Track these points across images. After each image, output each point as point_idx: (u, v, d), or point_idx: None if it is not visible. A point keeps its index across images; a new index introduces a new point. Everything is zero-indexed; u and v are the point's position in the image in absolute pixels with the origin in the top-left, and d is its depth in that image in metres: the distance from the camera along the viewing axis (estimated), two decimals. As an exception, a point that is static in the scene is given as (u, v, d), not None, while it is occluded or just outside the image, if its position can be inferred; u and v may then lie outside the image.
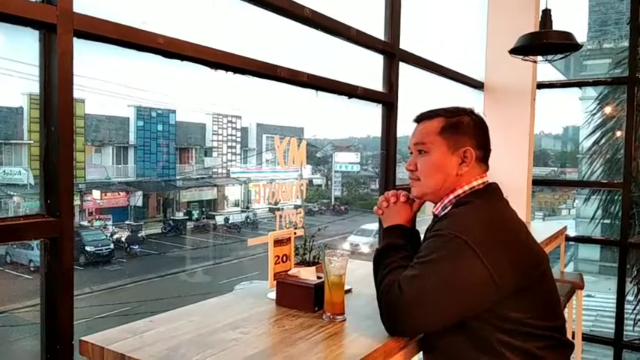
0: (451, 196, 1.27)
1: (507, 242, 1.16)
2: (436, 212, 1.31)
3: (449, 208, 1.27)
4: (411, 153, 1.34)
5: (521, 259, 1.15)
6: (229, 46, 1.68)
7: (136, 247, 17.69)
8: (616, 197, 6.50)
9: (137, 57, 1.44)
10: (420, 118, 1.33)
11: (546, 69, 3.50)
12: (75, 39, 1.21)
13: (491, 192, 1.28)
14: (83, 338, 1.11)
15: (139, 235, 18.81)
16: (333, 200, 27.61)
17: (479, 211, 1.20)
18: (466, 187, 1.26)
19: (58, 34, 1.17)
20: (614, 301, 3.72)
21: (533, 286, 1.15)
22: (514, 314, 1.12)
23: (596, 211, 7.13)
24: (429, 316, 1.11)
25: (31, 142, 17.08)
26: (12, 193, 16.55)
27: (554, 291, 1.23)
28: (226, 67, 1.70)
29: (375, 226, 14.95)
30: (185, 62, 1.58)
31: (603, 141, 7.55)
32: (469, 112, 1.31)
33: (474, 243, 1.10)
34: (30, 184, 16.52)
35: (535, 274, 1.18)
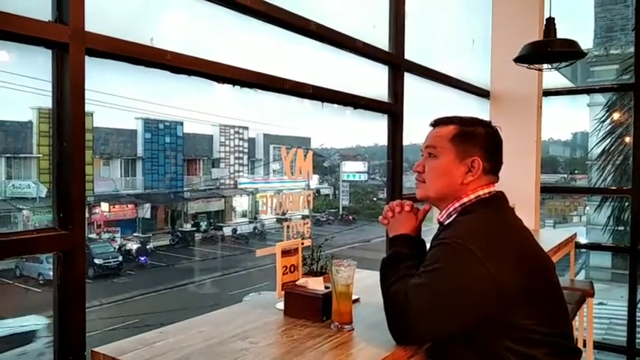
0: (457, 204, 1.28)
1: (512, 250, 1.17)
2: (441, 219, 1.32)
3: (454, 216, 1.28)
4: (422, 155, 1.35)
5: (526, 266, 1.16)
6: (236, 61, 1.72)
7: (144, 258, 17.74)
8: (627, 204, 6.45)
9: (145, 70, 1.47)
10: (436, 123, 1.35)
11: (553, 75, 3.50)
12: (86, 57, 1.24)
13: (497, 201, 1.29)
14: (95, 349, 1.13)
15: (147, 247, 18.89)
16: (340, 210, 27.56)
17: (484, 220, 1.22)
18: (472, 196, 1.27)
19: (70, 53, 1.20)
20: (627, 308, 3.69)
21: (539, 293, 1.16)
22: (520, 321, 1.12)
23: (609, 219, 7.05)
24: (435, 324, 1.11)
25: (40, 155, 17.26)
26: (21, 206, 16.69)
27: (560, 298, 1.24)
28: (233, 81, 1.74)
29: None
30: (193, 76, 1.61)
31: (613, 148, 7.51)
32: (485, 124, 1.32)
33: (479, 251, 1.11)
34: (39, 197, 16.66)
35: (540, 281, 1.18)
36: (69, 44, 1.20)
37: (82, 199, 1.26)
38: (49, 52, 1.23)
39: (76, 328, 1.23)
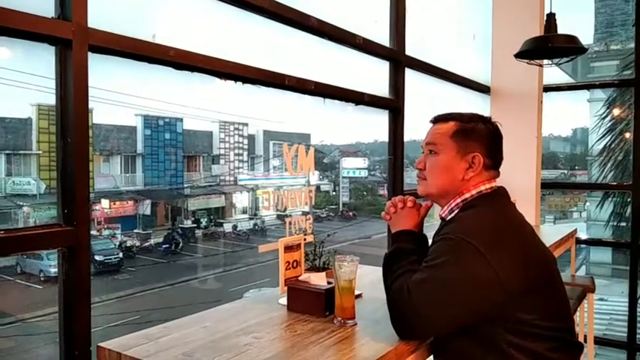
0: (458, 200, 1.29)
1: (514, 245, 1.18)
2: (443, 215, 1.33)
3: (456, 211, 1.28)
4: (423, 152, 1.36)
5: (528, 261, 1.17)
6: (238, 57, 1.72)
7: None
8: (628, 200, 6.44)
9: (145, 66, 1.47)
10: (436, 120, 1.36)
11: (554, 71, 3.49)
12: (89, 53, 1.25)
13: (499, 196, 1.30)
14: (101, 344, 1.13)
15: (148, 242, 18.96)
16: (341, 206, 27.53)
17: (485, 215, 1.22)
18: (474, 192, 1.28)
19: (74, 50, 1.21)
20: (627, 304, 3.70)
21: (541, 288, 1.17)
22: (523, 316, 1.13)
23: (611, 215, 7.04)
24: (437, 319, 1.12)
25: (40, 152, 17.21)
26: (21, 203, 16.68)
27: (562, 292, 1.24)
28: (235, 77, 1.74)
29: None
30: (194, 72, 1.61)
31: (614, 144, 7.50)
32: (485, 120, 1.33)
33: (481, 246, 1.12)
34: (39, 194, 16.65)
35: (542, 276, 1.19)
36: (72, 41, 1.21)
37: (86, 196, 1.26)
38: (52, 48, 1.24)
39: (81, 323, 1.24)
